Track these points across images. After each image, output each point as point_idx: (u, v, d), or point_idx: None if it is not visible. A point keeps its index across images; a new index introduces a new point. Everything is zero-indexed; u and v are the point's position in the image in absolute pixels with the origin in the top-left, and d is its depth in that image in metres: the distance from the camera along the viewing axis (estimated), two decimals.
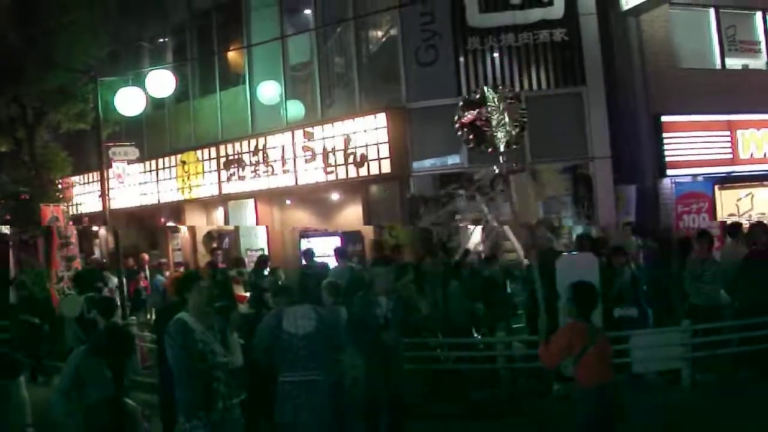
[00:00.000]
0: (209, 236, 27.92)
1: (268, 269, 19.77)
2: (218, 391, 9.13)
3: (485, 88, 15.60)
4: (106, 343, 9.70)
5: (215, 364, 9.17)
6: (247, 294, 18.82)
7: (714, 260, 15.44)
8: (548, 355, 9.24)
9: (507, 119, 15.05)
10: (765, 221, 18.64)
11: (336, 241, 21.93)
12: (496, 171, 16.07)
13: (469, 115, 15.13)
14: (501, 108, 15.32)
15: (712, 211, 20.87)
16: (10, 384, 13.86)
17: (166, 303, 20.57)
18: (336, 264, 19.47)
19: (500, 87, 16.63)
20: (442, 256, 18.74)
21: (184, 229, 29.44)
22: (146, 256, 26.18)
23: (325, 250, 21.28)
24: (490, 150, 15.80)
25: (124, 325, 16.13)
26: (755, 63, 22.96)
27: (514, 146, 16.20)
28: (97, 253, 32.10)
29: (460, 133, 15.79)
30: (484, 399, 14.51)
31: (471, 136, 15.73)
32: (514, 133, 14.87)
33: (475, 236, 20.97)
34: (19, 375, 14.15)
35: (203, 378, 9.07)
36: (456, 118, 15.36)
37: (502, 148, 15.33)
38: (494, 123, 15.08)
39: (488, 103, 15.78)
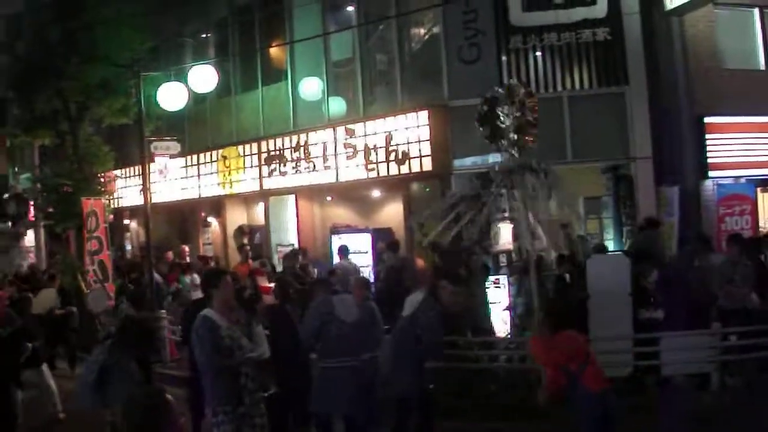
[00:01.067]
0: (240, 231, 28.21)
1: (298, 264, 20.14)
2: (245, 386, 9.23)
3: (497, 89, 15.54)
4: (121, 334, 9.81)
5: (242, 359, 9.27)
6: (272, 285, 18.99)
7: (745, 263, 15.41)
8: (557, 356, 9.60)
9: (518, 114, 14.94)
10: None
11: (366, 238, 22.11)
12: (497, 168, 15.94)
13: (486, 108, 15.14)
14: (514, 103, 15.20)
15: (755, 213, 20.72)
16: (35, 372, 14.09)
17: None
18: (339, 261, 19.99)
19: (512, 83, 16.41)
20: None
21: (215, 223, 29.69)
22: (186, 248, 26.40)
23: (355, 246, 21.55)
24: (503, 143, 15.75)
25: (143, 317, 16.24)
26: None
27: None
28: (128, 247, 32.45)
29: (480, 128, 15.78)
30: (515, 399, 14.55)
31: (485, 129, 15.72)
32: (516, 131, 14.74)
33: (506, 235, 20.95)
34: (40, 364, 14.38)
35: (231, 374, 9.15)
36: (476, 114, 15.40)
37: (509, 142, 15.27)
38: (504, 118, 15.02)
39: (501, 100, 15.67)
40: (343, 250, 20.51)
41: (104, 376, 9.54)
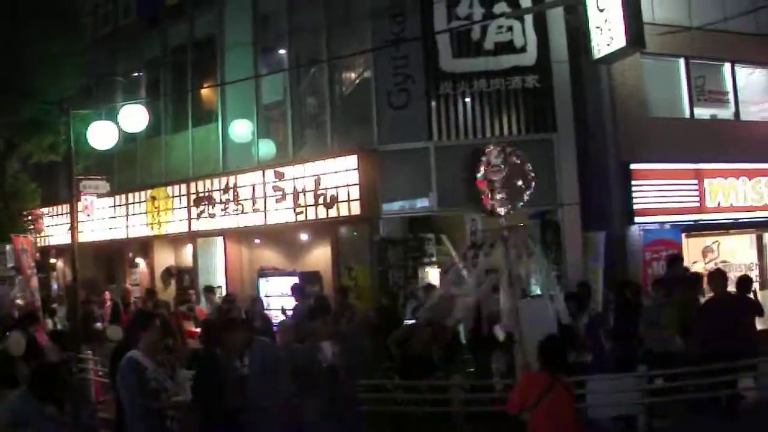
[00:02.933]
0: (167, 272, 27.98)
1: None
2: (171, 429, 9.16)
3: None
4: (36, 383, 9.63)
5: (168, 403, 9.20)
6: (198, 330, 18.79)
7: (670, 307, 15.62)
8: (509, 400, 9.40)
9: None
10: (727, 269, 18.96)
11: (294, 281, 22.05)
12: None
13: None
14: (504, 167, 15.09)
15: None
16: None
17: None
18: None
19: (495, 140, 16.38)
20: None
21: (143, 264, 29.40)
22: (108, 294, 26.05)
23: (283, 289, 21.48)
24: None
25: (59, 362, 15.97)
26: (723, 113, 23.28)
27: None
28: (54, 286, 32.00)
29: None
30: None
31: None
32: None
33: (433, 279, 21.03)
34: None
35: (156, 416, 9.08)
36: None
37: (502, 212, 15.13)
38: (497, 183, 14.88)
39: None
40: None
41: (19, 419, 9.39)
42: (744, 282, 15.96)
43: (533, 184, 14.36)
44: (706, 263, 21.66)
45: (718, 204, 21.80)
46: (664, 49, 21.53)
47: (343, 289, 19.84)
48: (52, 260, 33.34)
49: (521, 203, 14.39)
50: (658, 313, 15.57)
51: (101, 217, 28.45)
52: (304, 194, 22.33)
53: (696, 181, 21.59)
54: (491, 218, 15.01)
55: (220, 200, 24.81)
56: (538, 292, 19.42)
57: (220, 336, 12.14)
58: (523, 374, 9.40)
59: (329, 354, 11.98)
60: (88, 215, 26.34)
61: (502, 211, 14.15)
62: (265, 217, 23.46)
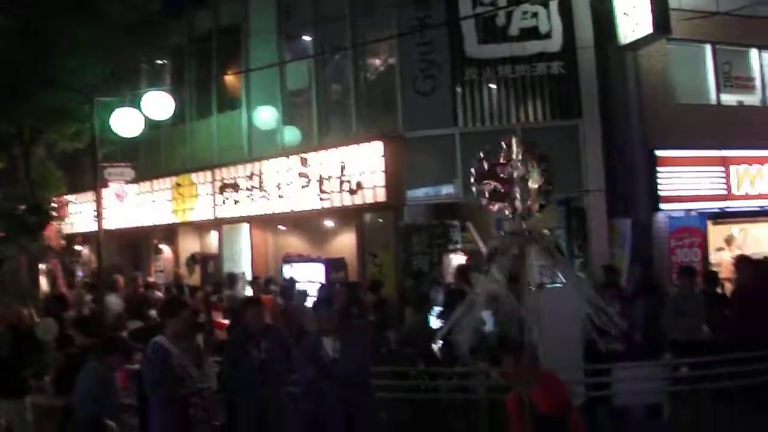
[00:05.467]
0: (192, 259, 28.00)
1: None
2: (194, 416, 9.16)
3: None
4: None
5: (193, 389, 9.20)
6: (227, 321, 18.75)
7: (696, 295, 15.57)
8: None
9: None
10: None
11: (319, 268, 22.07)
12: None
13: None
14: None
15: (705, 246, 20.87)
16: (18, 404, 13.78)
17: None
18: None
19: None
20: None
21: (167, 251, 29.47)
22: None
23: (308, 276, 21.54)
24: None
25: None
26: (750, 99, 23.12)
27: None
28: (79, 273, 32.12)
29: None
30: (464, 429, 14.52)
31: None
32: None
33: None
34: (25, 394, 14.07)
35: (180, 403, 9.09)
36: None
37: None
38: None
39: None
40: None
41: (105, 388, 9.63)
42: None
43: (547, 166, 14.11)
44: (731, 251, 21.51)
45: (745, 192, 21.65)
46: (691, 35, 21.37)
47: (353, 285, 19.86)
48: (78, 247, 33.45)
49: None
50: (684, 302, 15.55)
51: (127, 204, 28.53)
52: (329, 181, 22.34)
53: (722, 168, 21.46)
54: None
55: (245, 187, 24.86)
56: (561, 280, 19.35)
57: (241, 316, 12.12)
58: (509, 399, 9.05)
59: (329, 350, 11.79)
60: (121, 201, 26.43)
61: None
62: (291, 204, 23.50)
